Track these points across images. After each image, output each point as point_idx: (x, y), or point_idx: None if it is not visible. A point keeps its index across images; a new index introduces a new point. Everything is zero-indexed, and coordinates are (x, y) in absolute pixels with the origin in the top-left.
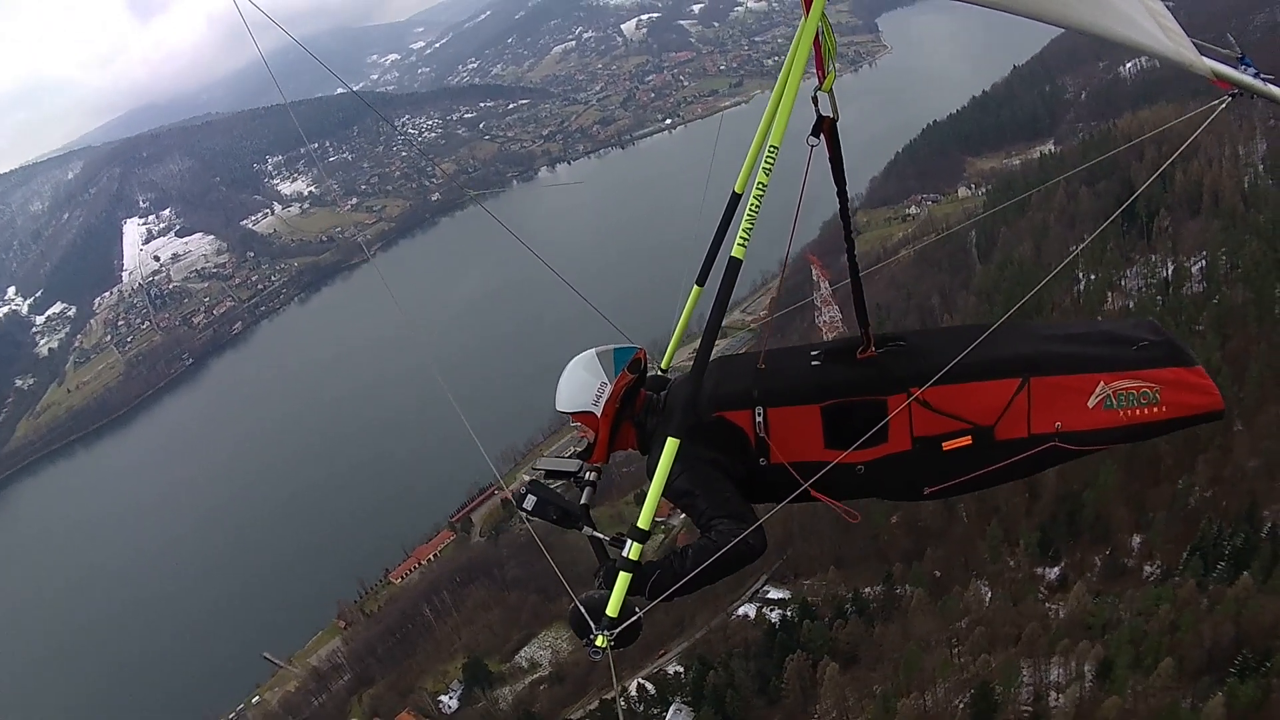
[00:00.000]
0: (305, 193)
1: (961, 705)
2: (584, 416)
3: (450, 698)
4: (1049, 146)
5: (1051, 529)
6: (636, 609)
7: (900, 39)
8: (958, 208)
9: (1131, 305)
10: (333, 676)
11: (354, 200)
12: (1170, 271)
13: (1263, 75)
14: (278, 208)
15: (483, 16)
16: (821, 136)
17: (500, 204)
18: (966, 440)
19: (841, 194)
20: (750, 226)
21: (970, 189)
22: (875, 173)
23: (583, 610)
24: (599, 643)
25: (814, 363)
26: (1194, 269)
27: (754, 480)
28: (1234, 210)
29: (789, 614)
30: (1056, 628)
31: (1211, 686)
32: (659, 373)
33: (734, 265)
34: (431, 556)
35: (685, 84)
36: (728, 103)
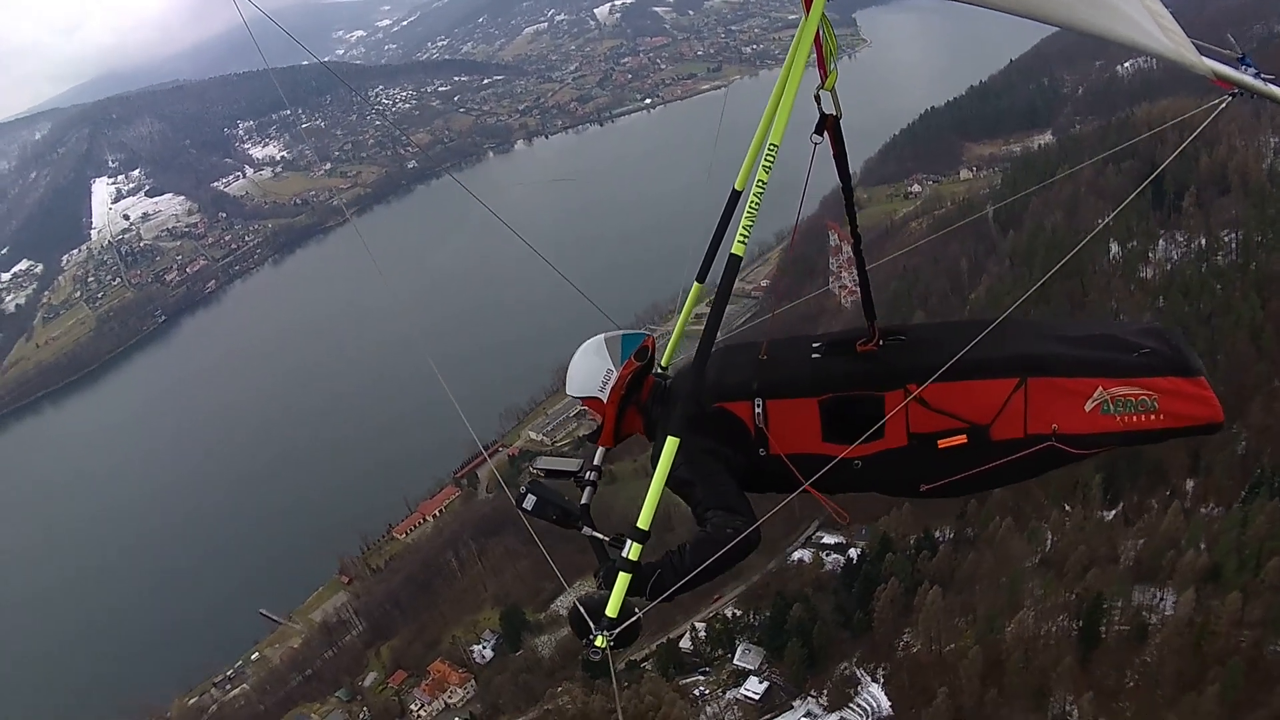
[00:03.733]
0: (277, 157)
1: (1067, 623)
2: (591, 402)
3: (484, 647)
4: (1046, 137)
5: (1111, 474)
6: (636, 609)
7: (876, 34)
8: (964, 187)
9: (1170, 270)
10: (340, 631)
11: (327, 166)
12: (1202, 243)
13: (1263, 75)
14: (249, 171)
15: None
16: (825, 134)
17: (476, 174)
18: (962, 439)
19: (846, 190)
20: (750, 224)
21: (971, 171)
22: (869, 155)
23: (582, 610)
24: (599, 643)
25: (814, 355)
26: (1229, 242)
27: (753, 471)
28: (1263, 189)
29: (864, 550)
30: (1158, 544)
31: None
32: (659, 370)
33: (734, 262)
34: (438, 512)
35: (662, 67)
36: (707, 86)
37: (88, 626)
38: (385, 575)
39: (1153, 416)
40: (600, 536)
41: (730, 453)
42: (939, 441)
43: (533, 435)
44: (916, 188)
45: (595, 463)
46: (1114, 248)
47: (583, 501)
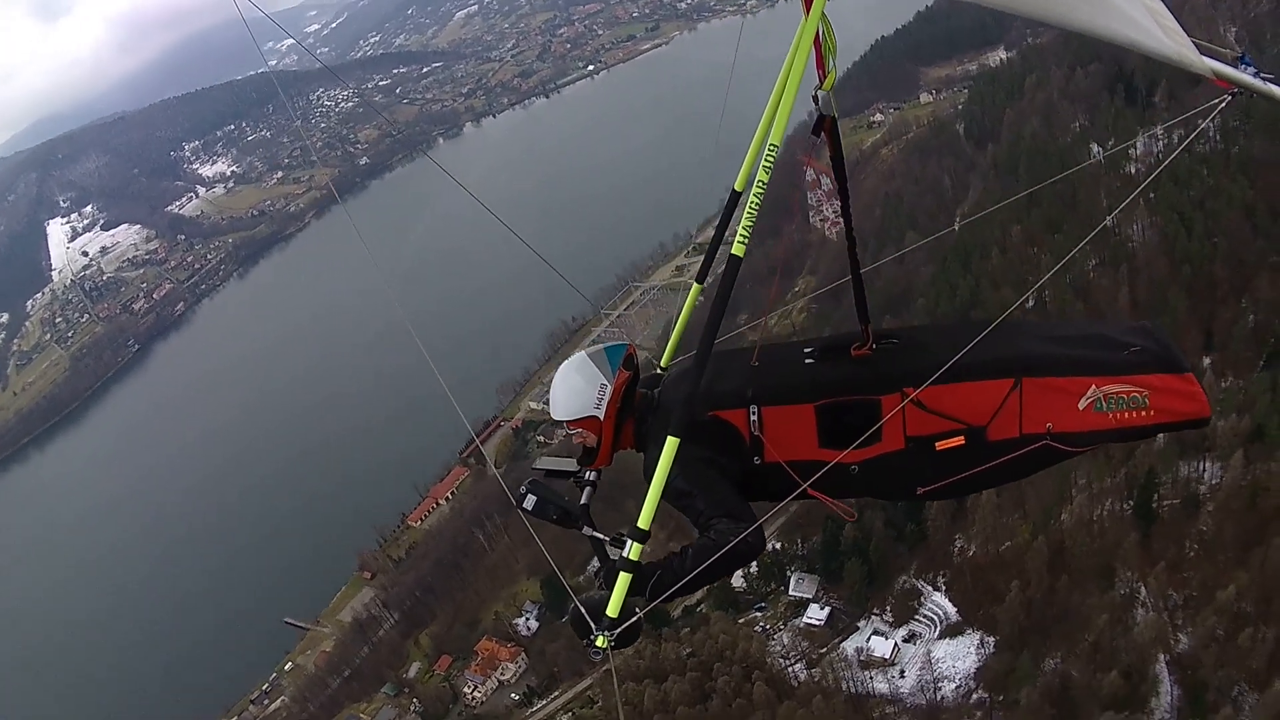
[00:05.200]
0: (228, 173)
1: (1119, 505)
2: (586, 422)
3: (528, 619)
4: (1000, 53)
5: None
6: (636, 609)
7: None
8: (928, 110)
9: (1153, 163)
10: (373, 626)
11: (279, 174)
12: (1177, 136)
13: (1262, 75)
14: (201, 190)
15: None
16: (823, 134)
17: (427, 163)
18: (959, 440)
19: (843, 191)
20: (750, 224)
21: (931, 95)
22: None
23: (583, 611)
24: (599, 643)
25: (808, 360)
26: (1208, 130)
27: (749, 479)
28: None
29: None
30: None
31: None
32: (659, 371)
33: (734, 263)
34: (449, 494)
35: (600, 32)
36: (648, 45)
37: (116, 662)
38: (409, 564)
39: (1144, 413)
40: (601, 536)
41: (726, 461)
42: (937, 444)
43: (533, 405)
44: (879, 116)
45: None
46: (1095, 148)
47: (583, 501)
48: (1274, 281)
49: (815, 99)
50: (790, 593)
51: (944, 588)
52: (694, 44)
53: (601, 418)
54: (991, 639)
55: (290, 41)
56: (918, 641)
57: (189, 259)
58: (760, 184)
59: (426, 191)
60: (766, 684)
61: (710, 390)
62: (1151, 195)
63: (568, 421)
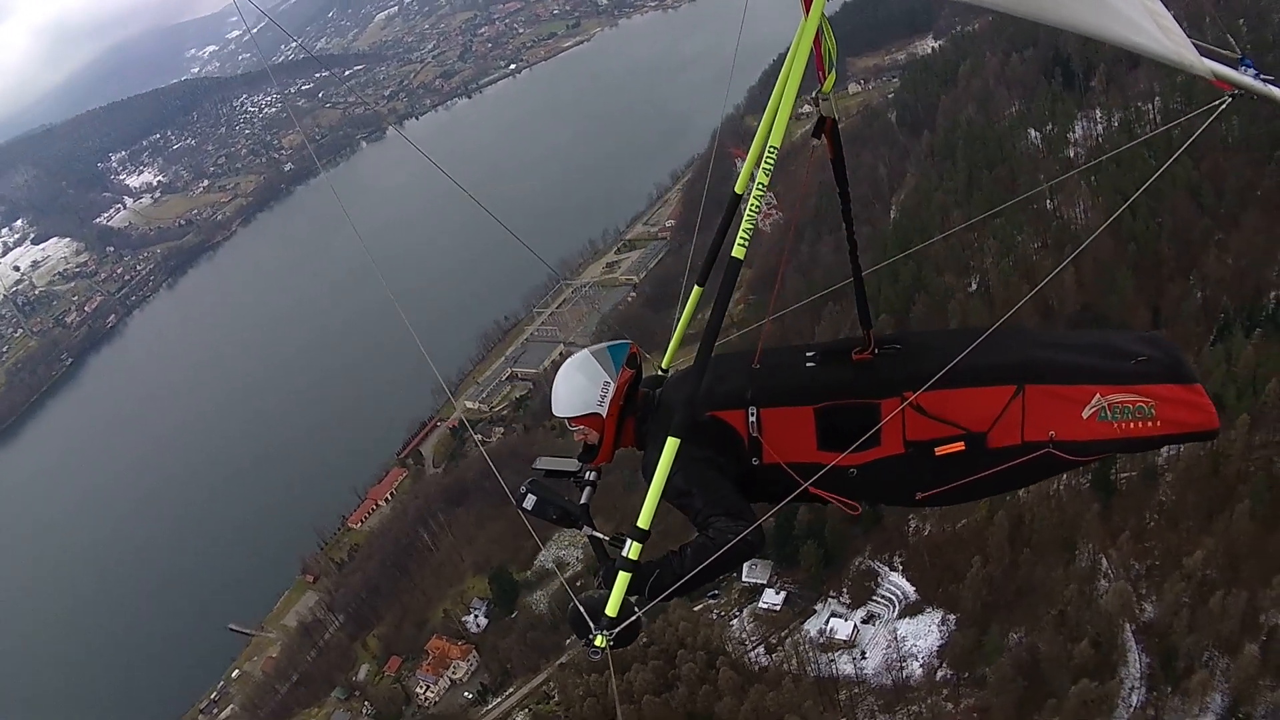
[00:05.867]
0: (154, 182)
1: (1077, 478)
2: (588, 419)
3: (476, 616)
4: (929, 41)
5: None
6: (636, 608)
7: None
8: (857, 100)
9: (1093, 147)
10: (319, 630)
11: (205, 182)
12: (1119, 117)
13: (1262, 76)
14: (129, 201)
15: None
16: (823, 137)
17: (351, 167)
18: (959, 446)
19: (843, 194)
20: (750, 227)
21: (860, 85)
22: (750, 84)
23: (582, 610)
24: (598, 643)
25: (809, 363)
26: (1148, 112)
27: (747, 480)
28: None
29: None
30: None
31: None
32: (660, 372)
33: (734, 265)
34: (388, 495)
35: (521, 31)
36: (569, 43)
37: (62, 678)
38: (353, 566)
39: (1150, 423)
40: (600, 536)
41: (725, 461)
42: (936, 449)
43: (469, 405)
44: (807, 108)
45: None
46: (1033, 133)
47: (582, 501)
48: (1220, 258)
49: (815, 101)
50: (744, 579)
51: (901, 568)
52: (616, 40)
53: (604, 415)
54: (953, 616)
55: (212, 47)
56: (877, 622)
57: (119, 271)
58: (760, 187)
59: (350, 197)
60: (732, 669)
61: (710, 391)
62: (1093, 178)
63: (570, 418)
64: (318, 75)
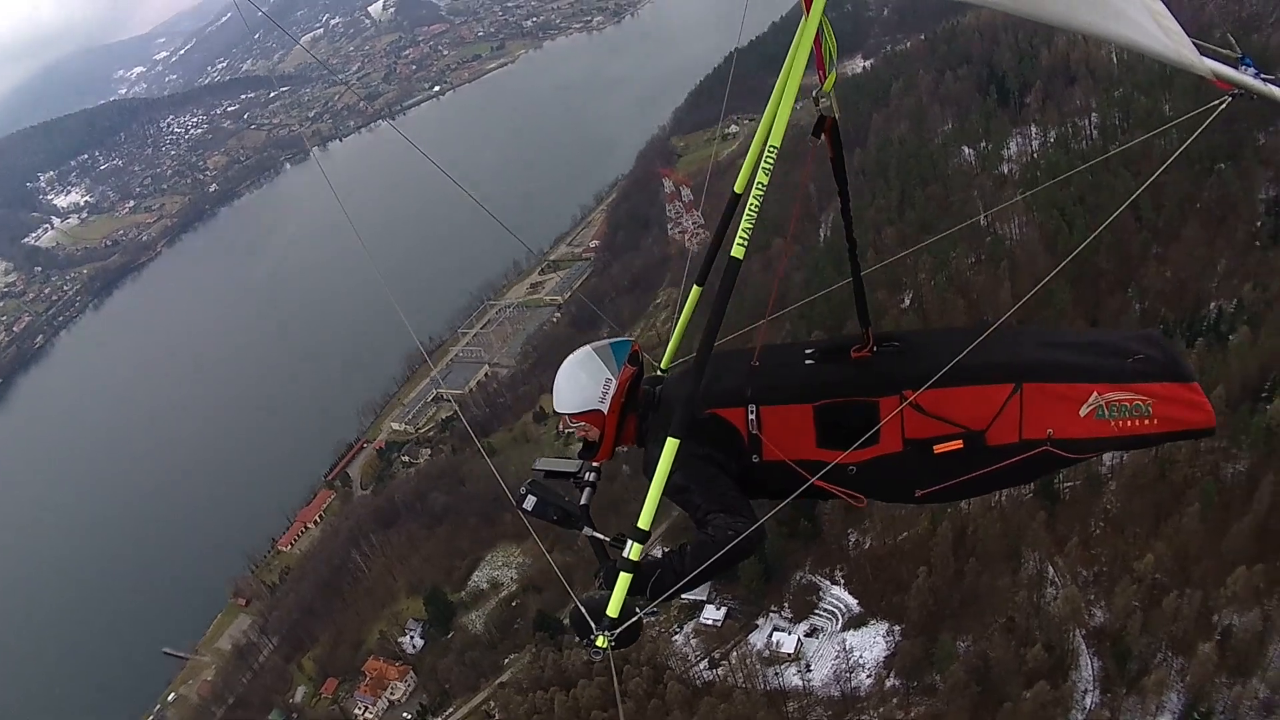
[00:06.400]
0: (82, 203)
1: (1022, 489)
2: (589, 415)
3: (412, 636)
4: (858, 61)
5: None
6: (637, 609)
7: None
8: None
9: (1029, 162)
10: (253, 653)
11: (131, 203)
12: (1055, 135)
13: (1263, 75)
14: (57, 221)
15: (225, 19)
16: (823, 136)
17: (275, 189)
18: (958, 444)
19: (843, 193)
20: (750, 226)
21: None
22: (677, 104)
23: (583, 611)
24: (600, 643)
25: (808, 361)
26: (1084, 127)
27: (747, 478)
28: (1110, 75)
29: None
30: None
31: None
32: (659, 372)
33: (734, 265)
34: (318, 518)
35: (445, 53)
36: (493, 65)
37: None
38: (285, 589)
39: (1147, 421)
40: (601, 537)
41: (725, 459)
42: (935, 447)
43: (395, 426)
44: (734, 128)
45: (594, 463)
46: (967, 150)
47: (582, 502)
48: (1159, 271)
49: (815, 100)
50: (683, 595)
51: (842, 581)
52: (540, 62)
53: (606, 411)
54: (898, 627)
55: (140, 69)
56: (821, 635)
57: (46, 291)
58: (760, 186)
59: (275, 219)
60: (680, 682)
61: (710, 389)
62: (1024, 193)
63: (571, 415)
64: (243, 96)
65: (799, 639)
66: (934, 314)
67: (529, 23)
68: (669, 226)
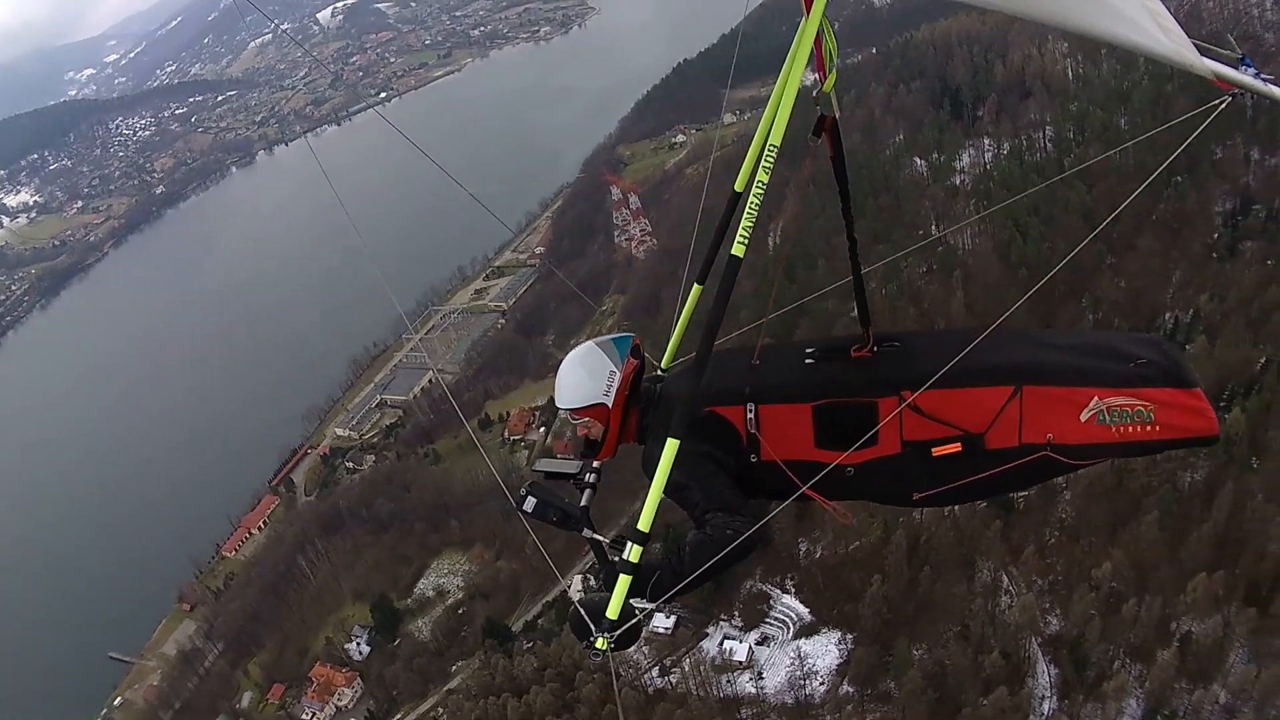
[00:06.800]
0: (30, 202)
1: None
2: (594, 410)
3: (358, 643)
4: (808, 74)
5: None
6: (636, 611)
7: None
8: (733, 130)
9: (982, 173)
10: (198, 658)
11: (79, 203)
12: (1008, 147)
13: (1263, 76)
14: (5, 220)
15: (175, 22)
16: (823, 135)
17: (221, 193)
18: (956, 447)
19: (844, 193)
20: (750, 225)
21: (735, 115)
22: (623, 114)
23: (583, 613)
24: (599, 645)
25: (808, 361)
26: (1038, 140)
27: (745, 477)
28: (1065, 90)
29: None
30: None
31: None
32: (659, 372)
33: (734, 263)
34: (262, 523)
35: (392, 60)
36: (440, 73)
37: None
38: (230, 594)
39: (1148, 428)
40: (601, 539)
41: (723, 457)
42: (933, 449)
43: (339, 432)
44: (681, 138)
45: (594, 464)
46: (919, 162)
47: (582, 503)
48: (1113, 281)
49: (816, 100)
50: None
51: (793, 590)
52: (487, 71)
53: (610, 405)
54: (850, 635)
55: (90, 70)
56: (772, 644)
57: None
58: (760, 184)
59: (221, 222)
60: (632, 689)
61: (709, 387)
62: (981, 204)
63: (574, 410)
64: (191, 100)
65: (750, 647)
66: (884, 323)
67: (476, 32)
68: (615, 234)
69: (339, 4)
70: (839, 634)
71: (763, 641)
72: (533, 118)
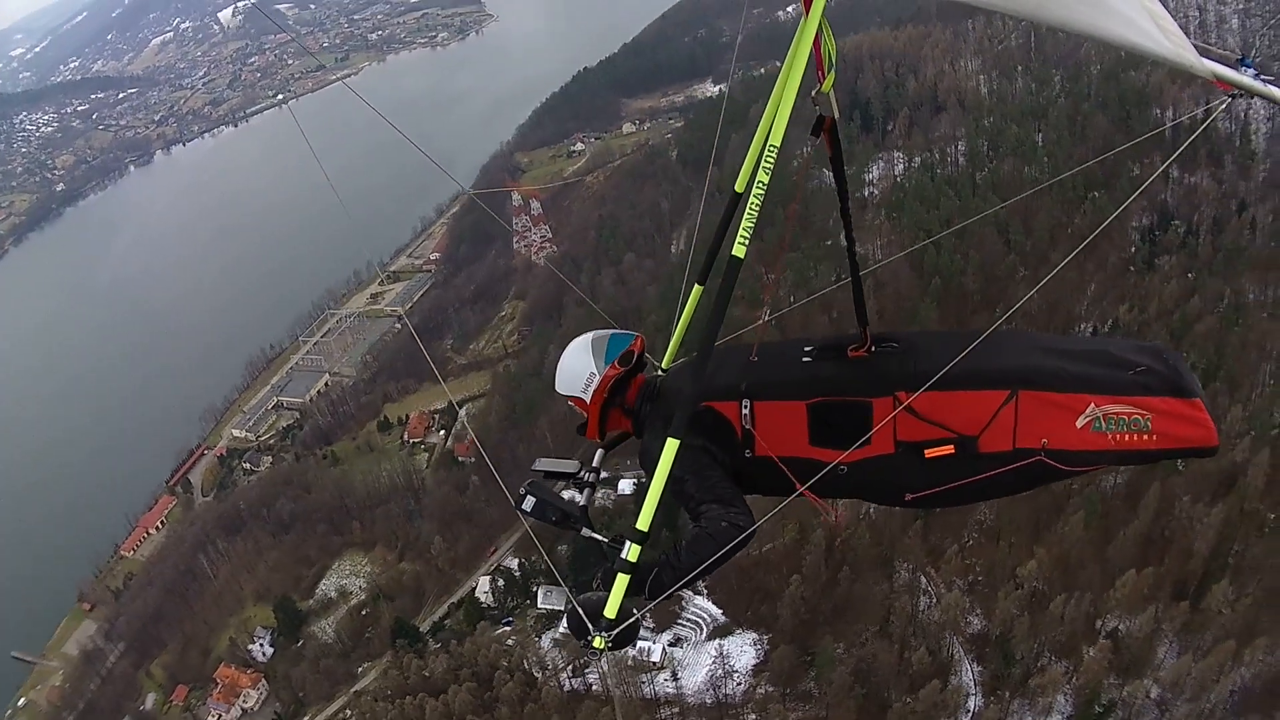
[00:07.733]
0: None
1: None
2: (575, 400)
3: (261, 643)
4: (708, 86)
5: None
6: (634, 609)
7: (502, 7)
8: (632, 140)
9: (892, 186)
10: (99, 659)
11: None
12: (919, 161)
13: (1262, 76)
14: None
15: (80, 18)
16: (822, 136)
17: (120, 191)
18: (949, 449)
19: (842, 193)
20: (751, 225)
21: (634, 125)
22: (520, 121)
23: (581, 612)
24: (597, 644)
25: (805, 358)
26: (950, 154)
27: (739, 472)
28: (981, 105)
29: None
30: None
31: None
32: (659, 372)
33: (734, 264)
34: (160, 523)
35: (290, 62)
36: (336, 76)
37: None
38: (131, 594)
39: (1145, 436)
40: (600, 538)
41: (718, 451)
42: (926, 451)
43: (236, 433)
44: (580, 146)
45: (594, 464)
46: (826, 173)
47: (581, 503)
48: (1027, 291)
49: (814, 101)
50: (539, 605)
51: (705, 591)
52: (384, 75)
53: (588, 402)
54: (767, 636)
55: None
56: (685, 645)
57: None
58: (760, 185)
59: (118, 221)
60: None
61: (706, 382)
62: (892, 215)
63: (562, 394)
64: (93, 96)
65: (664, 648)
66: (793, 332)
67: (374, 36)
68: (514, 240)
69: (240, 4)
70: (754, 635)
71: (676, 643)
72: (429, 122)
